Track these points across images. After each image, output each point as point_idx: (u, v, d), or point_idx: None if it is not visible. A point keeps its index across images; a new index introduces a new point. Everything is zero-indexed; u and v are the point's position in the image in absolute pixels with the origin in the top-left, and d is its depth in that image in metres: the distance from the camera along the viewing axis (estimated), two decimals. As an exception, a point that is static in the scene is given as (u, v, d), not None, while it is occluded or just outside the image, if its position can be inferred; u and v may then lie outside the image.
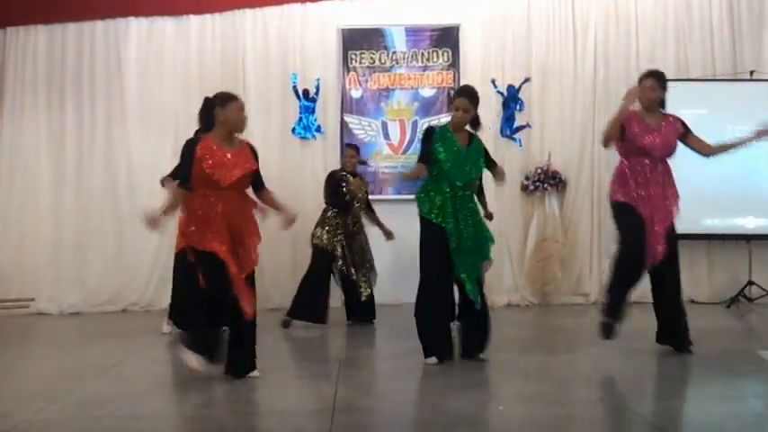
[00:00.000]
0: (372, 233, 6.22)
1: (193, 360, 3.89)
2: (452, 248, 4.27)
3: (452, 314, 4.63)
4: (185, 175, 3.92)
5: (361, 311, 5.98)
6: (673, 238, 4.44)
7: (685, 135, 4.55)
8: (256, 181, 4.12)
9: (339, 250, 5.86)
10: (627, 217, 4.40)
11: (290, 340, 5.57)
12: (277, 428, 3.35)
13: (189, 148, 3.94)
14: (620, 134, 4.44)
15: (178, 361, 4.05)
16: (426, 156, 4.36)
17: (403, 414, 3.55)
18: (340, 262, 5.86)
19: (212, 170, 3.88)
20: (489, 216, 4.91)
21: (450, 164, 4.32)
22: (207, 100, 4.06)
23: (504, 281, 7.13)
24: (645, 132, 4.43)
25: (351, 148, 6.29)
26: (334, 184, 5.99)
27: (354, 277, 5.91)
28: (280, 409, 3.65)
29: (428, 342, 4.30)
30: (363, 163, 6.57)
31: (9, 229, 7.16)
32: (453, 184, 4.33)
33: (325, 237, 5.88)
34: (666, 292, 4.51)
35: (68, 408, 3.61)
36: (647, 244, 4.33)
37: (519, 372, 4.22)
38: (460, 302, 4.40)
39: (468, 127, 4.46)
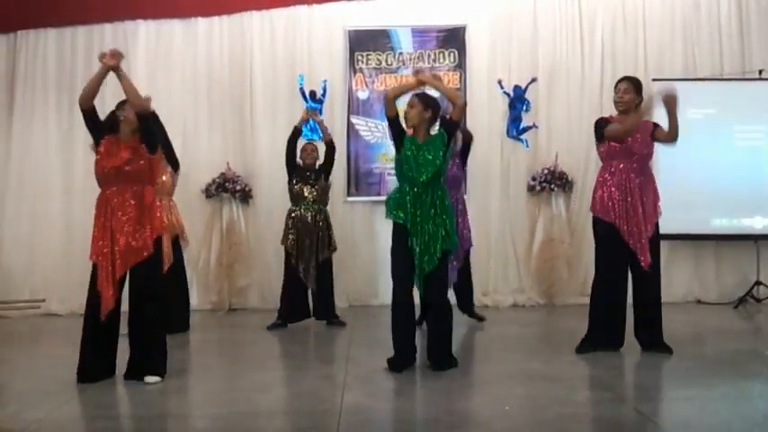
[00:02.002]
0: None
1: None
2: (413, 248, 4.12)
3: (413, 317, 4.32)
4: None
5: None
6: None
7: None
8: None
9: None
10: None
11: (295, 340, 5.60)
12: (284, 429, 3.38)
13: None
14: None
15: (186, 362, 4.08)
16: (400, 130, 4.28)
17: (410, 414, 3.57)
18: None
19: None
20: None
21: (412, 157, 4.17)
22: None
23: (509, 281, 7.14)
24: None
25: None
26: None
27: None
28: (287, 409, 3.69)
29: (395, 350, 4.20)
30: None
31: (20, 231, 7.21)
32: (414, 180, 4.17)
33: None
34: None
35: (80, 407, 3.65)
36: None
37: (525, 372, 4.23)
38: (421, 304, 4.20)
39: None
